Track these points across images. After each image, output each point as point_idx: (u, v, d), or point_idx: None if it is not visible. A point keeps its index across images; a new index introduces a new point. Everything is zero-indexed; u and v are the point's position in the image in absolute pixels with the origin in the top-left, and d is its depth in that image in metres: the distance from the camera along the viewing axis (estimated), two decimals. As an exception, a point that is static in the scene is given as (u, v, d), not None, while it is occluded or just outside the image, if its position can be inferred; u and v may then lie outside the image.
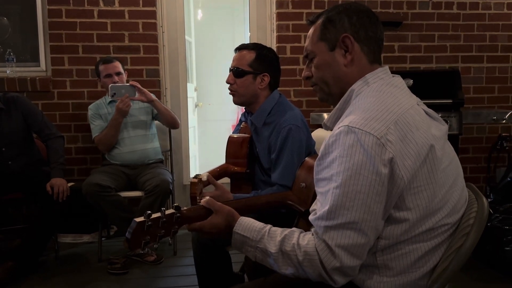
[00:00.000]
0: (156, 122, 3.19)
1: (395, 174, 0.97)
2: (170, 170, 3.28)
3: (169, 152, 3.40)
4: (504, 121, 2.92)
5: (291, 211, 1.50)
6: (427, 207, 1.01)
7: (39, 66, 3.46)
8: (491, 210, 2.57)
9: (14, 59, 3.38)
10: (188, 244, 3.02)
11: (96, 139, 3.01)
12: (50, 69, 3.43)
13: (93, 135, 3.04)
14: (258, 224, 1.13)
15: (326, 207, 1.00)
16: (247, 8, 3.87)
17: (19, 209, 3.33)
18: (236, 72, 1.85)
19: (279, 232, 1.09)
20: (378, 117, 1.00)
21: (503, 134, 3.66)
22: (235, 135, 2.01)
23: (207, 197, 1.18)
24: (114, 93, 2.85)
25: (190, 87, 4.22)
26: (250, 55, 1.85)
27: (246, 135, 1.98)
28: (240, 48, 1.89)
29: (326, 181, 1.03)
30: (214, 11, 5.35)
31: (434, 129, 1.08)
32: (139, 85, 2.89)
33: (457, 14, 3.75)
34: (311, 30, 1.21)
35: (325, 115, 3.37)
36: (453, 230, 1.07)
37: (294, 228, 1.10)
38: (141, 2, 3.44)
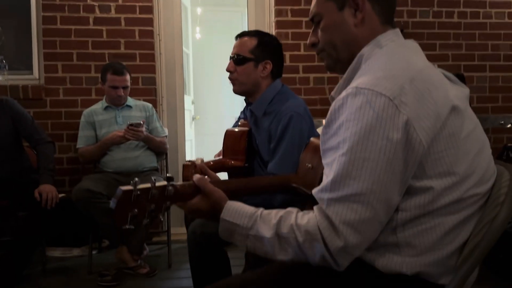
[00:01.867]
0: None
1: (412, 139, 0.85)
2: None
3: (164, 162, 3.27)
4: (510, 125, 2.82)
5: (291, 202, 1.37)
6: (450, 174, 0.89)
7: (32, 73, 3.36)
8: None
9: (7, 67, 3.28)
10: (184, 258, 2.86)
11: (79, 151, 2.93)
12: (43, 77, 3.33)
13: (77, 144, 2.95)
14: (248, 208, 0.99)
15: (330, 177, 0.88)
16: (245, 18, 3.83)
17: (5, 219, 3.16)
18: (237, 60, 1.75)
19: (273, 215, 0.95)
20: (391, 76, 0.89)
21: (509, 145, 3.56)
22: (233, 129, 1.89)
23: (201, 176, 1.05)
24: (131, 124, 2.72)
25: (188, 99, 4.13)
26: (252, 42, 1.75)
27: (245, 128, 1.86)
28: (241, 35, 1.80)
29: (333, 150, 0.91)
30: (213, 24, 5.31)
31: (455, 91, 0.97)
32: (143, 125, 2.79)
33: (458, 23, 3.71)
34: None
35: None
36: (483, 202, 0.94)
37: (290, 208, 0.97)
38: (138, 9, 3.38)
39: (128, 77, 2.91)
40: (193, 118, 4.58)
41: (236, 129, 1.87)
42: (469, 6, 3.71)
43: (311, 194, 1.23)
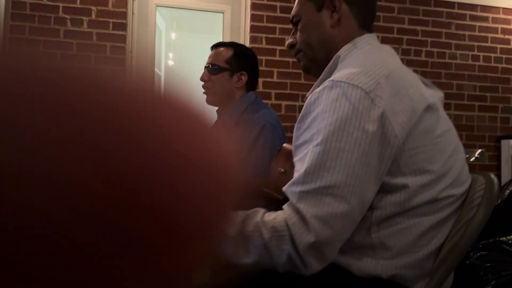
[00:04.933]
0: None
1: (388, 132, 0.83)
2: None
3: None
4: (472, 160, 2.89)
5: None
6: (425, 172, 0.87)
7: (-6, 83, 3.22)
8: (468, 247, 2.43)
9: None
10: None
11: None
12: (6, 87, 3.20)
13: None
14: None
15: (303, 169, 0.84)
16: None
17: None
18: (212, 69, 1.72)
19: (239, 214, 0.89)
20: (367, 72, 0.89)
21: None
22: (204, 140, 1.84)
23: None
24: None
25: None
26: (228, 52, 1.74)
27: (216, 140, 1.81)
28: (217, 45, 1.78)
29: (306, 144, 0.87)
30: (186, 50, 5.32)
31: (430, 93, 0.98)
32: None
33: (426, 62, 3.84)
34: None
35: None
36: (459, 204, 0.92)
37: (257, 208, 0.91)
38: (111, 25, 3.34)
39: None
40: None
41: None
42: (436, 46, 3.86)
43: (282, 199, 1.18)
